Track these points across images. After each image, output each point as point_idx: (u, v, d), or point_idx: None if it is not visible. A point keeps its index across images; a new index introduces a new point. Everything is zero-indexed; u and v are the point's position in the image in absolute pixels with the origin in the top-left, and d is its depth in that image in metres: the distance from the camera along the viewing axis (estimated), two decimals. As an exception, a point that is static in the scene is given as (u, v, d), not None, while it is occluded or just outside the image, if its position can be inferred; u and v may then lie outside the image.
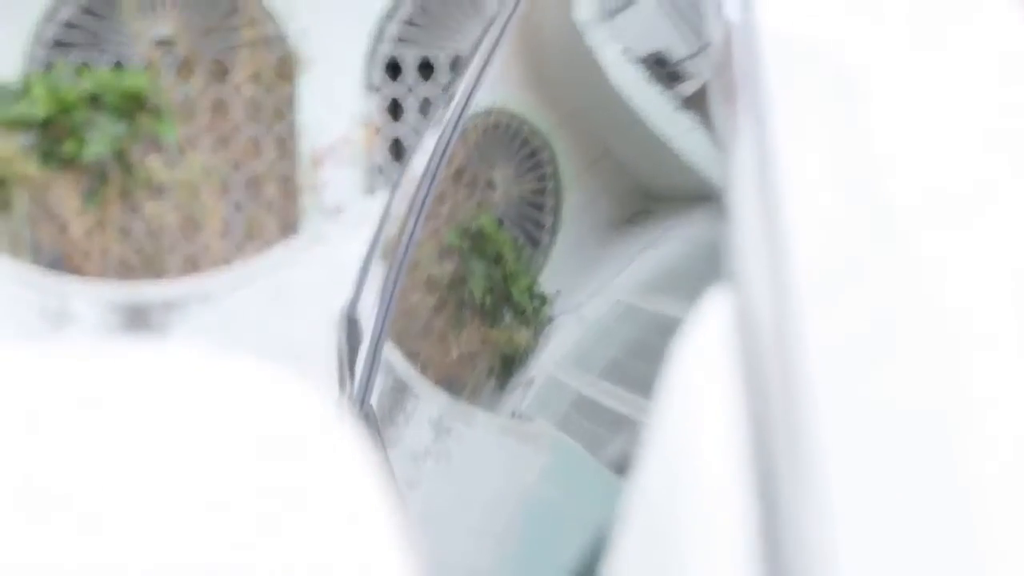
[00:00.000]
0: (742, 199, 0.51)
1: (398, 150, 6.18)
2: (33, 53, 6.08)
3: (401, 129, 6.08)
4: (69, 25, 6.09)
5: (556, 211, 0.99)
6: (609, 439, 0.71)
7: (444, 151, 1.30)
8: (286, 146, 6.10)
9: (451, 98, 1.40)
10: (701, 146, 0.75)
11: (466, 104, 1.29)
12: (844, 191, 0.47)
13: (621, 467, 0.66)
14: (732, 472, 0.40)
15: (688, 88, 0.82)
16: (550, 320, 0.87)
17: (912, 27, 0.55)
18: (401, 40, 5.98)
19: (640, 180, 0.88)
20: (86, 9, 6.08)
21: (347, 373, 1.35)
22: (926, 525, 0.37)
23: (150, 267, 5.71)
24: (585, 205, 0.96)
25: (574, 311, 0.84)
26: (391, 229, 1.64)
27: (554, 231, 0.97)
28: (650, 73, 0.90)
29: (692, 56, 0.82)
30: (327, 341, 1.74)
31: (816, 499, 0.37)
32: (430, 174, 1.32)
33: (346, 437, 0.30)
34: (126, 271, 5.61)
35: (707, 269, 0.68)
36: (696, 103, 0.78)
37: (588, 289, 0.83)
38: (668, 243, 0.75)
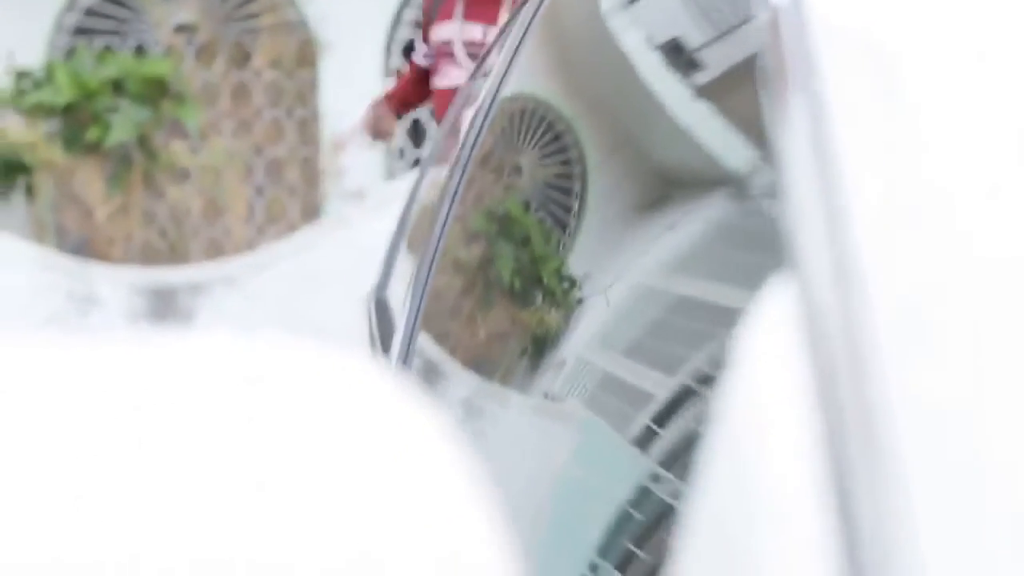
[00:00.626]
0: (798, 183, 0.50)
1: (417, 134, 6.19)
2: (55, 40, 6.11)
3: (420, 113, 6.09)
4: (90, 12, 6.12)
5: (582, 195, 1.00)
6: (633, 416, 0.73)
7: (475, 141, 1.31)
8: (307, 130, 6.12)
9: (481, 87, 1.41)
10: (718, 133, 0.77)
11: (496, 94, 1.30)
12: (900, 173, 0.48)
13: (643, 443, 0.68)
14: (805, 470, 0.39)
15: (706, 76, 0.84)
16: (579, 302, 0.89)
17: (961, 9, 0.56)
18: (418, 25, 5.99)
19: (660, 165, 0.90)
20: (107, -4, 6.11)
21: (380, 355, 1.36)
22: (1009, 516, 0.36)
23: (174, 251, 5.74)
24: (610, 189, 0.97)
25: (601, 293, 0.85)
26: (419, 211, 1.65)
27: (580, 215, 0.98)
28: (669, 60, 0.91)
29: (709, 43, 0.84)
30: (352, 322, 1.74)
31: (894, 495, 0.37)
32: (461, 164, 1.32)
33: (418, 406, 0.30)
34: (150, 255, 5.65)
35: (723, 251, 0.71)
36: (714, 90, 0.80)
37: (614, 271, 0.85)
38: (686, 227, 0.77)
